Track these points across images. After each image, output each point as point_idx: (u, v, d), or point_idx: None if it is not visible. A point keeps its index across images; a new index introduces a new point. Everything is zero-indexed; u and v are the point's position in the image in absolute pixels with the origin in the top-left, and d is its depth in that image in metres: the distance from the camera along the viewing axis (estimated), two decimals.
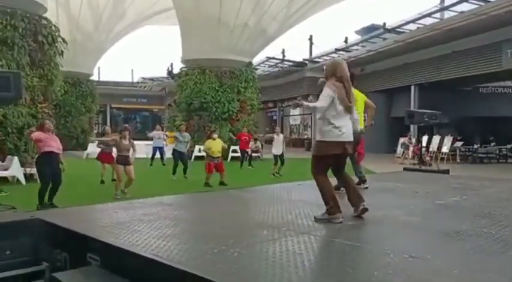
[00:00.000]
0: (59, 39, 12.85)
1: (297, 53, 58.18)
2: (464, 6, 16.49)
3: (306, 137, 31.28)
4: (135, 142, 9.39)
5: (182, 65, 21.76)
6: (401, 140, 20.85)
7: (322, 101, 3.71)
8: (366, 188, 5.63)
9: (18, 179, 10.62)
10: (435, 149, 19.12)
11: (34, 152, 9.69)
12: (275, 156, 13.13)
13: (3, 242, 3.33)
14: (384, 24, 20.52)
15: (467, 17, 15.81)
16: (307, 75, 27.01)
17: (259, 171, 14.57)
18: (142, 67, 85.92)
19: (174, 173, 11.99)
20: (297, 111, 33.81)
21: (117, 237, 3.16)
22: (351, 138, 3.89)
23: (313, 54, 28.89)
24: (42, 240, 3.52)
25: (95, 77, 29.36)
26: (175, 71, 23.83)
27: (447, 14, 17.90)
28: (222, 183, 10.69)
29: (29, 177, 10.83)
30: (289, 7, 19.77)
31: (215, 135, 11.18)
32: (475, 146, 20.42)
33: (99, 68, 33.58)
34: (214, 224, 3.87)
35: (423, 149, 16.87)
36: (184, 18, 20.36)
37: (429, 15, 18.00)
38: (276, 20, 20.11)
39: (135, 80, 40.92)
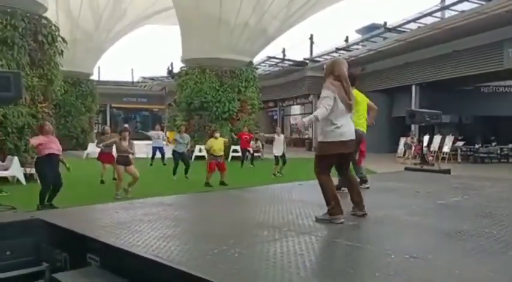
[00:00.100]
0: (59, 38, 12.84)
1: (298, 52, 58.10)
2: (465, 6, 16.46)
3: (306, 136, 31.28)
4: (135, 142, 9.40)
5: (182, 65, 21.76)
6: (403, 139, 20.84)
7: (323, 105, 3.69)
8: (367, 188, 5.62)
9: (18, 179, 10.62)
10: (436, 149, 19.10)
11: (34, 152, 9.68)
12: (276, 156, 13.12)
13: (3, 243, 3.33)
14: (385, 23, 20.47)
15: (468, 16, 15.79)
16: (308, 74, 27.00)
17: (260, 171, 14.56)
18: (143, 67, 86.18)
19: (174, 173, 12.01)
20: (298, 110, 33.86)
21: (117, 237, 3.16)
22: (353, 137, 3.90)
23: (314, 54, 28.85)
24: (43, 240, 3.52)
25: (95, 77, 29.42)
26: (176, 70, 23.84)
27: (448, 13, 17.87)
28: (222, 183, 10.69)
29: (29, 177, 10.82)
30: (290, 6, 19.75)
31: (217, 134, 11.21)
32: (476, 146, 20.39)
33: (99, 67, 33.68)
34: (214, 224, 3.87)
35: (425, 149, 16.89)
36: (184, 17, 20.35)
37: (430, 14, 17.96)
38: (277, 19, 20.10)
39: (135, 80, 40.98)
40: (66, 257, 3.26)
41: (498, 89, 22.93)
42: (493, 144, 20.96)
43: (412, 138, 19.78)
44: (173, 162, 12.26)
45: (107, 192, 9.23)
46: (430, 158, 17.84)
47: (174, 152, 12.33)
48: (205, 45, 19.38)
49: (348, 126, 3.83)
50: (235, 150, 18.15)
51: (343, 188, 4.67)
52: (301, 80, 28.07)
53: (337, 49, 24.17)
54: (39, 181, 7.59)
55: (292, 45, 42.32)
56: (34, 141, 7.31)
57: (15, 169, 10.55)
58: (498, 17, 14.94)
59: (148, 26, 30.65)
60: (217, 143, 10.86)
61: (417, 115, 10.82)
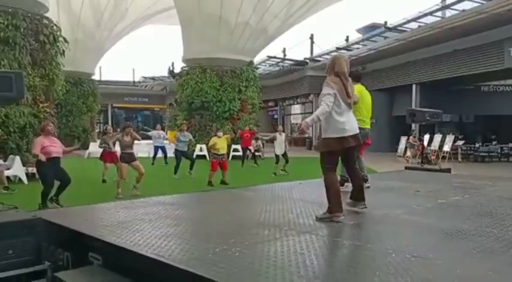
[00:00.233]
0: (61, 38, 12.85)
1: (298, 51, 57.95)
2: (466, 5, 16.42)
3: (307, 135, 31.23)
4: (136, 142, 9.44)
5: (183, 64, 21.75)
6: (404, 139, 20.82)
7: (324, 102, 3.70)
8: (368, 187, 5.62)
9: (20, 178, 10.65)
10: (437, 148, 19.10)
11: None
12: (277, 155, 13.13)
13: (5, 242, 3.34)
14: (385, 22, 20.43)
15: (469, 16, 15.76)
16: (308, 74, 26.97)
17: (261, 171, 14.58)
18: (144, 66, 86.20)
19: (175, 172, 12.06)
20: (298, 110, 33.84)
21: (118, 236, 3.17)
22: (357, 131, 3.91)
23: (314, 53, 28.84)
24: (44, 239, 3.53)
25: (96, 77, 29.39)
26: (177, 70, 23.78)
27: (448, 13, 17.84)
28: (223, 182, 10.71)
29: (30, 176, 10.84)
30: (290, 6, 19.75)
31: (220, 133, 11.46)
32: (477, 145, 20.38)
33: (100, 67, 33.60)
34: (215, 224, 3.88)
35: (428, 148, 16.88)
36: (185, 17, 20.35)
37: (430, 13, 17.92)
38: (277, 19, 20.09)
39: (136, 80, 40.97)
40: (68, 256, 3.28)
41: (498, 88, 22.90)
42: (494, 143, 20.95)
43: (415, 137, 19.78)
44: (175, 161, 12.31)
45: (108, 191, 9.25)
46: (433, 157, 17.85)
47: (176, 150, 12.39)
48: (206, 45, 19.39)
49: (351, 122, 3.85)
50: (235, 150, 18.18)
51: (346, 184, 4.68)
52: (302, 79, 28.05)
53: (338, 48, 24.13)
54: (41, 182, 7.60)
55: (293, 44, 42.32)
56: (35, 151, 7.28)
57: (17, 168, 10.58)
58: (499, 16, 14.92)
59: (149, 26, 30.70)
60: (220, 141, 10.93)
61: (418, 114, 10.85)
